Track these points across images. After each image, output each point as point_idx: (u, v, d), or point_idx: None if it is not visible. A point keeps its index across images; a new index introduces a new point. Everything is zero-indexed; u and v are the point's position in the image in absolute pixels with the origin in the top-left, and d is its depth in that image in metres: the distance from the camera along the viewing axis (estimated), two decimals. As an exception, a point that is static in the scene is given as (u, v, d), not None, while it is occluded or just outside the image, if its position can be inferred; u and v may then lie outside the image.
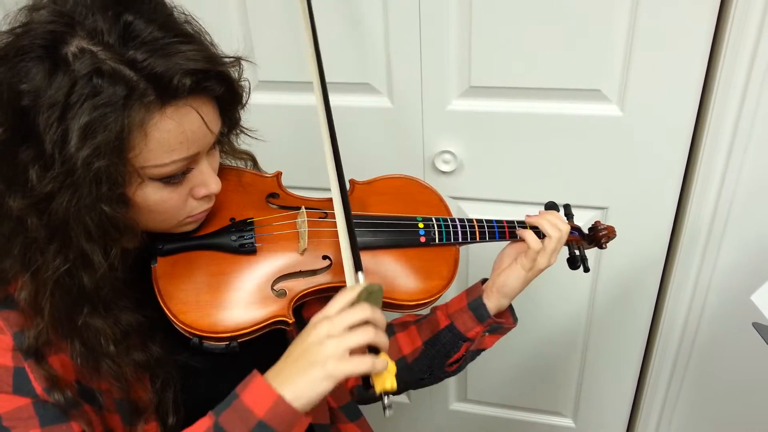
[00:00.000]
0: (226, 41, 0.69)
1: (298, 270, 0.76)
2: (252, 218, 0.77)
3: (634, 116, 1.08)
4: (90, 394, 0.69)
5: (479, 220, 0.87)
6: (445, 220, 0.85)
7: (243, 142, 0.80)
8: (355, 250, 0.70)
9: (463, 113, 1.15)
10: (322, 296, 0.81)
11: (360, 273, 0.69)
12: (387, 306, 0.80)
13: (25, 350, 0.64)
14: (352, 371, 0.60)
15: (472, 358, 0.90)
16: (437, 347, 0.86)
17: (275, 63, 1.18)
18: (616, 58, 1.03)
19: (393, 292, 0.79)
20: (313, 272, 0.77)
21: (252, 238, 0.75)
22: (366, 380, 0.64)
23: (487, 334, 0.86)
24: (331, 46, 1.12)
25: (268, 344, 0.80)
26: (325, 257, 0.77)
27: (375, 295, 0.65)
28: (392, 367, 0.63)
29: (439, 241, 0.83)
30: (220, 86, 0.62)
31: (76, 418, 0.65)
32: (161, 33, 0.58)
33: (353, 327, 0.62)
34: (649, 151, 1.10)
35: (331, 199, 0.76)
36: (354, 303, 0.64)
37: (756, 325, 0.88)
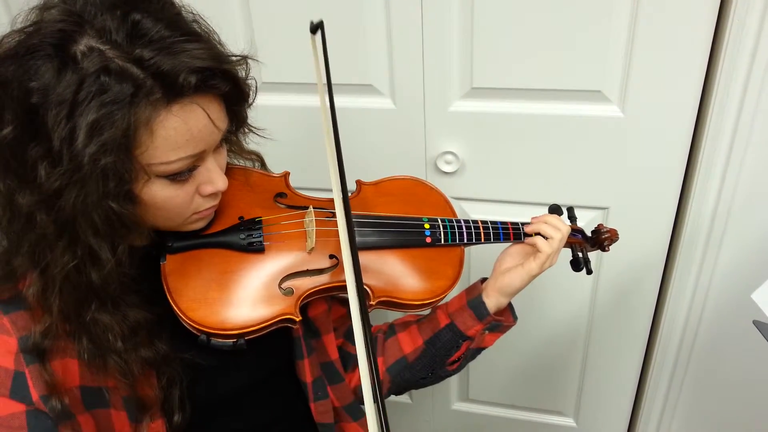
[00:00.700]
0: (230, 43, 0.69)
1: (305, 269, 0.76)
2: (260, 217, 0.78)
3: (634, 117, 1.08)
4: (97, 396, 0.69)
5: (484, 222, 0.87)
6: (450, 221, 0.85)
7: (251, 141, 0.81)
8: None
9: (465, 114, 1.16)
10: (329, 295, 0.81)
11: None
12: (392, 305, 0.80)
13: (30, 348, 0.64)
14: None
15: (473, 357, 0.91)
16: (438, 346, 0.87)
17: (280, 64, 1.18)
18: (616, 59, 1.04)
19: (398, 291, 0.79)
20: (320, 271, 0.77)
21: (260, 236, 0.75)
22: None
23: (487, 332, 0.87)
24: (334, 48, 1.12)
25: (273, 343, 0.80)
26: (332, 256, 0.78)
27: None
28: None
29: (444, 241, 0.84)
30: (225, 84, 0.63)
31: (67, 430, 0.65)
32: (168, 32, 0.59)
33: None
34: (649, 152, 1.11)
35: None
36: None
37: (757, 323, 0.89)
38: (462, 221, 0.86)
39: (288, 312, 0.72)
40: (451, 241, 0.84)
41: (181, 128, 0.61)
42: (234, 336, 0.70)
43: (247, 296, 0.72)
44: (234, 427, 0.82)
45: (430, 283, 0.81)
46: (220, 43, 0.66)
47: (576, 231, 0.94)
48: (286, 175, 0.86)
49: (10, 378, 0.63)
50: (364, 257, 0.79)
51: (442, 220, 0.85)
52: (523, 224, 0.89)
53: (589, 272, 0.93)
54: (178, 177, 0.64)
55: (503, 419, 1.59)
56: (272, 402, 0.86)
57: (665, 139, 1.09)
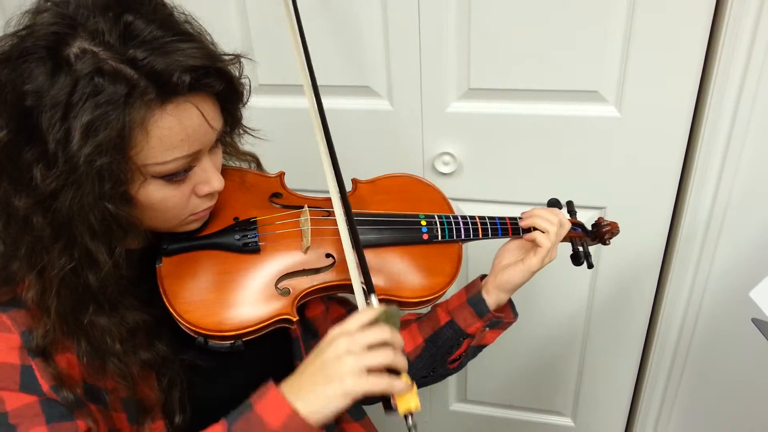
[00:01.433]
0: (225, 45, 0.69)
1: (301, 268, 0.76)
2: (255, 218, 0.77)
3: (631, 117, 1.09)
4: (96, 394, 0.69)
5: (481, 217, 0.87)
6: (447, 217, 0.85)
7: (246, 142, 0.81)
8: (366, 271, 0.71)
9: (463, 115, 1.16)
10: (326, 295, 0.81)
11: (373, 295, 0.70)
12: (391, 303, 0.80)
13: (33, 349, 0.64)
14: (370, 389, 0.59)
15: (474, 355, 0.91)
16: (438, 344, 0.87)
17: (275, 66, 1.18)
18: (613, 59, 1.04)
19: (397, 289, 0.79)
20: (317, 270, 0.77)
21: (255, 237, 0.75)
22: (387, 401, 0.63)
23: (487, 329, 0.87)
24: (331, 49, 1.13)
25: (272, 344, 0.80)
26: (328, 255, 0.78)
27: (394, 318, 0.65)
28: (414, 388, 0.62)
29: (441, 238, 0.84)
30: (219, 83, 0.63)
31: (83, 416, 0.65)
32: (161, 32, 0.59)
33: (372, 346, 0.62)
34: (646, 151, 1.11)
35: None
36: (372, 323, 0.64)
37: (755, 321, 0.89)
38: (459, 217, 0.86)
39: (285, 312, 0.72)
40: (449, 237, 0.84)
41: (176, 128, 0.61)
42: (231, 337, 0.70)
43: (243, 297, 0.72)
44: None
45: (428, 280, 0.81)
46: (212, 43, 0.67)
47: (576, 225, 0.94)
48: (281, 175, 0.86)
49: (18, 373, 0.63)
50: None
51: (439, 217, 0.85)
52: (520, 218, 0.89)
53: (590, 266, 0.92)
54: (174, 177, 0.64)
55: (501, 420, 1.59)
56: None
57: (662, 139, 1.09)
